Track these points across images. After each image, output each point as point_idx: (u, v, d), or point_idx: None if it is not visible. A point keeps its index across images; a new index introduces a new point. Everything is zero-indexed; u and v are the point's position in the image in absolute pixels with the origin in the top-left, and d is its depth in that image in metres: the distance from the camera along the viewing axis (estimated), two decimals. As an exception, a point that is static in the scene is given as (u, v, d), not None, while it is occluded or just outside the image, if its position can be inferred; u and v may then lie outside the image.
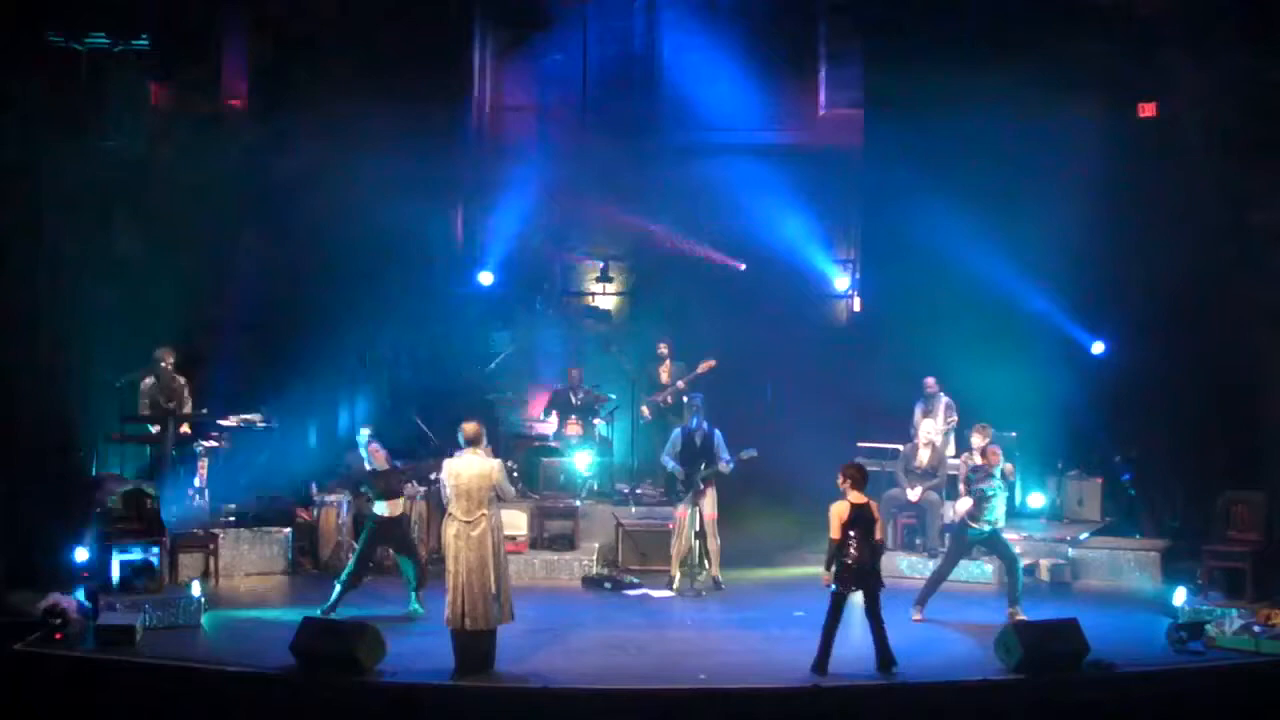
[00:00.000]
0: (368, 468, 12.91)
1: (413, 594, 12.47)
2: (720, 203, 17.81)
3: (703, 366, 15.88)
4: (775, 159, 17.83)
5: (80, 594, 12.22)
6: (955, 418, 15.42)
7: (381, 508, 12.58)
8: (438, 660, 10.58)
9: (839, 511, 10.81)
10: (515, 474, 15.09)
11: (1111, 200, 15.48)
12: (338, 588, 12.28)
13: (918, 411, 15.37)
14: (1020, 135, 15.67)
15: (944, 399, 15.49)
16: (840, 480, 10.92)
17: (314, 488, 14.48)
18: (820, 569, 11.02)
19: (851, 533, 10.74)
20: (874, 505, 11.00)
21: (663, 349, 16.23)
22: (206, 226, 14.89)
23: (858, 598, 10.91)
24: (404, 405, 15.61)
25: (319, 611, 11.90)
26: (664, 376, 16.16)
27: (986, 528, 12.42)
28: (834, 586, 10.77)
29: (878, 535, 10.92)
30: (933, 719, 10.28)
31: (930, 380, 15.50)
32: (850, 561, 10.71)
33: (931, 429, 14.54)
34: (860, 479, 10.92)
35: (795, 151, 17.94)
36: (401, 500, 12.79)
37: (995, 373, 15.48)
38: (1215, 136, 14.87)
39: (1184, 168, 15.12)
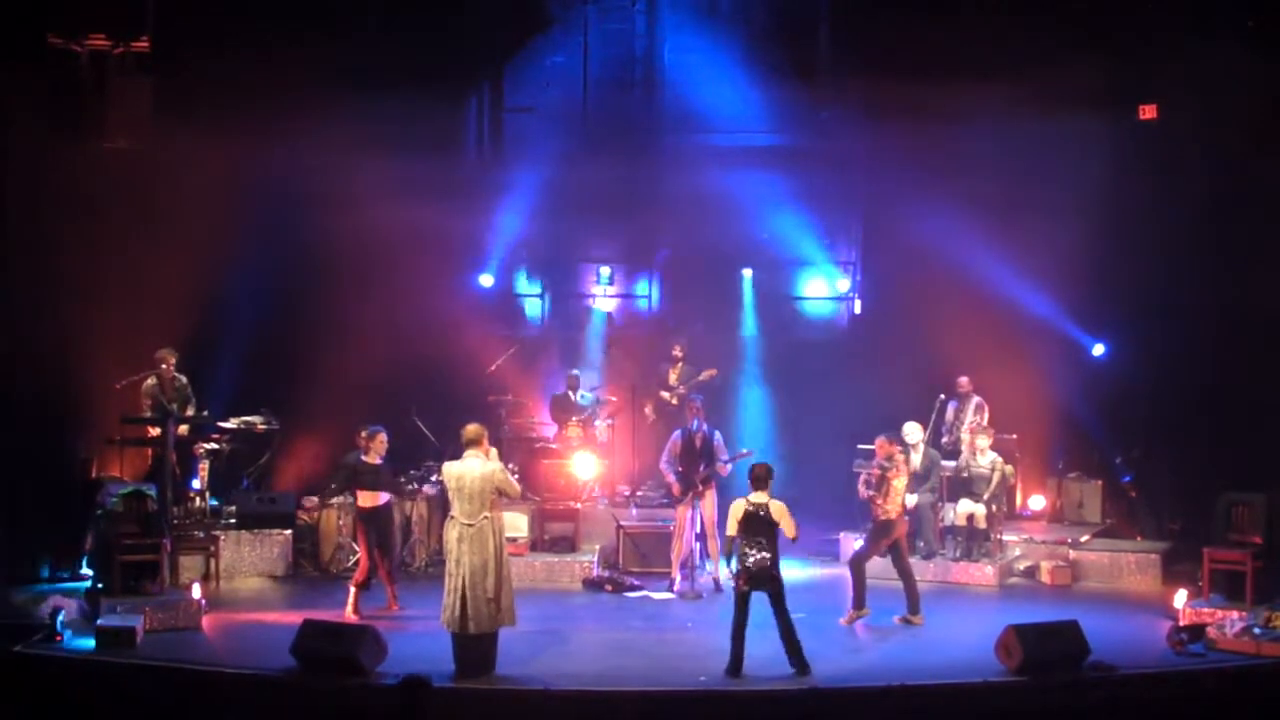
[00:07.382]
0: (360, 460, 12.76)
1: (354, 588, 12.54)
2: (721, 204, 17.81)
3: (705, 375, 15.92)
4: (776, 161, 17.81)
5: (80, 595, 12.23)
6: (986, 416, 15.36)
7: (363, 499, 12.62)
8: (438, 662, 10.55)
9: (735, 510, 10.81)
10: (517, 476, 15.05)
11: (1112, 202, 15.48)
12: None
13: (950, 410, 15.32)
14: (1020, 137, 15.66)
15: (975, 398, 15.44)
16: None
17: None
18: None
19: (746, 532, 10.70)
20: (774, 508, 10.74)
21: (677, 351, 16.27)
22: (208, 226, 14.87)
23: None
24: (404, 406, 15.57)
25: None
26: (673, 378, 16.18)
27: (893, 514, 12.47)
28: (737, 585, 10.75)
29: (791, 535, 10.79)
30: (933, 721, 10.29)
31: (964, 380, 15.42)
32: (746, 562, 10.68)
33: (917, 434, 14.31)
34: (762, 478, 10.83)
35: (796, 154, 17.91)
36: (378, 495, 12.71)
37: (996, 374, 15.49)
38: (1214, 138, 14.89)
39: (1183, 169, 15.13)
